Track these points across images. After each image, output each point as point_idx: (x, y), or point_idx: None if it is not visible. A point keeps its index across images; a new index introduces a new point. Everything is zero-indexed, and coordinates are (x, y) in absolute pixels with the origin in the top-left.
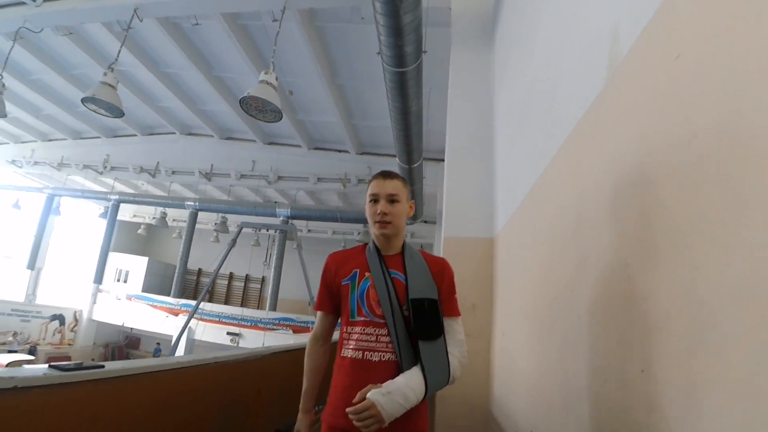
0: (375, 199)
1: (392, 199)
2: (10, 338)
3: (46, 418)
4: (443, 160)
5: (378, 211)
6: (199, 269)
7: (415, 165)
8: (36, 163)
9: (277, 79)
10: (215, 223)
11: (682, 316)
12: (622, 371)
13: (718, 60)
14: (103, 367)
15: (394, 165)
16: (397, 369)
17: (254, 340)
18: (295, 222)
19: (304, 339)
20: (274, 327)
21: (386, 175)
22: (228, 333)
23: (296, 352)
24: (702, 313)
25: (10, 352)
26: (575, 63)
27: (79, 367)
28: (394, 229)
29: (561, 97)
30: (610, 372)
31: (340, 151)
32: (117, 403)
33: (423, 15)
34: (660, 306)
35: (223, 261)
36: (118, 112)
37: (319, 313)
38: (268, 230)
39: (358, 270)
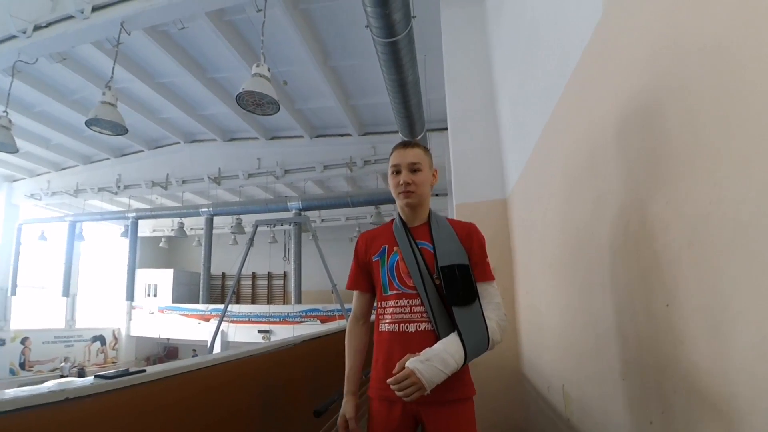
0: (397, 170)
1: (414, 168)
2: (62, 363)
3: (97, 424)
4: (447, 129)
5: (401, 182)
6: (223, 273)
7: (418, 138)
8: (53, 193)
9: (269, 70)
10: (231, 226)
11: (704, 242)
12: (649, 306)
13: None
14: (144, 371)
15: (398, 140)
16: (434, 338)
17: (284, 335)
18: (308, 213)
19: (332, 326)
20: (302, 319)
21: (406, 144)
22: (259, 331)
23: (325, 338)
24: (726, 234)
25: (62, 377)
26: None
27: (123, 374)
28: (418, 198)
29: (562, 32)
30: (636, 308)
31: (342, 135)
32: (161, 403)
33: None
34: (680, 235)
35: (243, 262)
36: (121, 129)
37: (355, 293)
38: (282, 225)
39: (386, 245)
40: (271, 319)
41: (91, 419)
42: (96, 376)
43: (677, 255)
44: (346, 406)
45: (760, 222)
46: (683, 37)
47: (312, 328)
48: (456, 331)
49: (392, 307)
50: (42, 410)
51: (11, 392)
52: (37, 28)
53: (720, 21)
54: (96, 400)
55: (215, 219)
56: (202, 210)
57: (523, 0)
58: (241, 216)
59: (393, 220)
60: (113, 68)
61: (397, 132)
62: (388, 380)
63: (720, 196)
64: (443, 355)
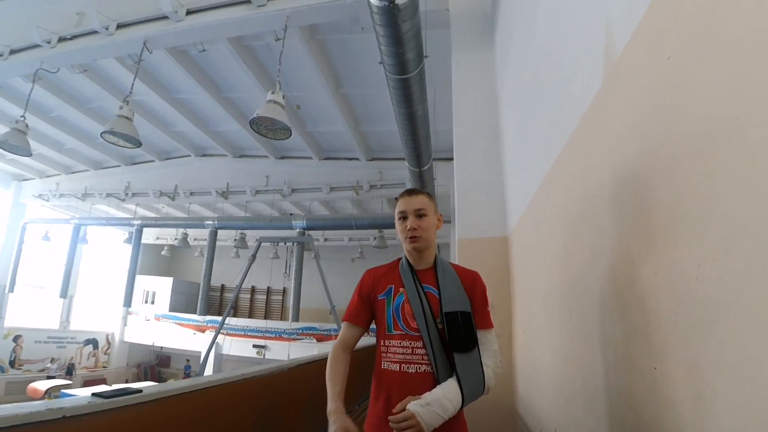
0: (403, 216)
1: (420, 214)
2: (49, 364)
3: None
4: (453, 159)
5: (407, 227)
6: (222, 285)
7: (425, 168)
8: (61, 195)
9: (284, 97)
10: (234, 239)
11: (688, 314)
12: (637, 366)
13: (706, 61)
14: (141, 391)
15: (404, 168)
16: (433, 380)
17: (280, 351)
18: (312, 232)
19: (327, 348)
20: (298, 337)
21: (411, 192)
22: (254, 346)
23: (320, 363)
24: (707, 311)
25: (49, 378)
26: (574, 61)
27: (119, 393)
28: (424, 242)
29: (563, 94)
30: (624, 365)
31: (350, 159)
32: (156, 424)
33: (421, 19)
34: (667, 303)
35: (245, 276)
36: (135, 142)
37: (346, 323)
38: (285, 243)
39: (393, 285)
40: (267, 334)
41: None
42: (93, 395)
43: (665, 321)
44: (343, 420)
45: (738, 305)
46: (674, 111)
47: (308, 346)
48: (455, 377)
49: (395, 347)
50: (39, 427)
51: (8, 408)
52: (61, 39)
53: (708, 100)
54: (93, 419)
55: (219, 231)
56: (208, 222)
57: (528, 56)
58: (246, 231)
59: (399, 260)
60: (133, 83)
61: (404, 159)
62: (389, 417)
63: (703, 274)
64: (443, 400)
